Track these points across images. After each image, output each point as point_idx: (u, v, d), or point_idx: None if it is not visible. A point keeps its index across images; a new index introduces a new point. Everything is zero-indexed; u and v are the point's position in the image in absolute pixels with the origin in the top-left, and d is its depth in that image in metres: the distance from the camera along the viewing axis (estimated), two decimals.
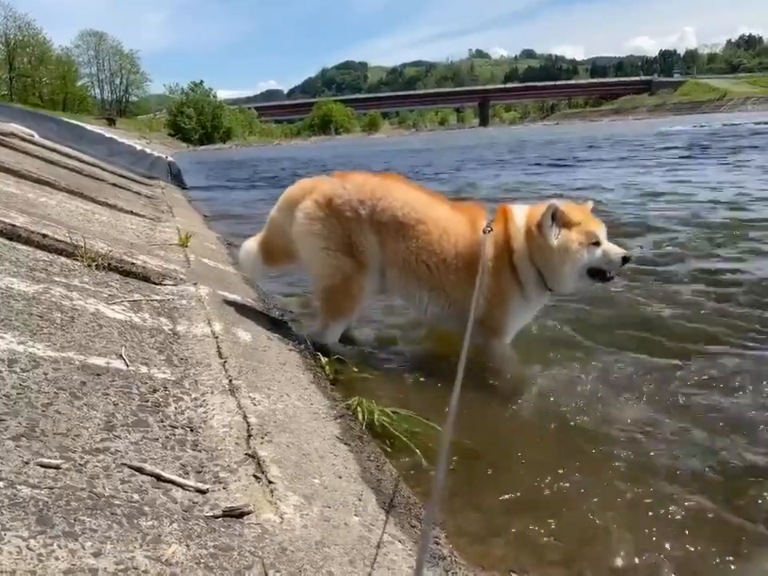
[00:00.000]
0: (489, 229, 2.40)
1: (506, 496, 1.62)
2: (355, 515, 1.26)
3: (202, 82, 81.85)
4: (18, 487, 0.94)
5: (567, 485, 1.67)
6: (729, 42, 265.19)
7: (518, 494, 1.63)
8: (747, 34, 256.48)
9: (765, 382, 2.28)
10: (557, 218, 2.34)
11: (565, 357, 2.58)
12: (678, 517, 1.53)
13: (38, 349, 1.47)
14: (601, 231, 2.37)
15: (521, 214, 2.48)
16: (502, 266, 2.44)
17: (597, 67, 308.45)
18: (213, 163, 28.01)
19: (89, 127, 30.56)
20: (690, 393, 2.23)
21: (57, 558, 0.82)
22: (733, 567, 1.37)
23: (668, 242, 4.92)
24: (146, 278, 2.60)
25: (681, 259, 4.35)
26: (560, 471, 1.74)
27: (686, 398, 2.19)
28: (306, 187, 2.61)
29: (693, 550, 1.42)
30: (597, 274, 2.39)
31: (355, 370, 2.34)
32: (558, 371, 2.44)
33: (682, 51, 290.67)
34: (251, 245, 2.81)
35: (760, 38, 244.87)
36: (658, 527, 1.50)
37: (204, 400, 1.55)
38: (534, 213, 2.42)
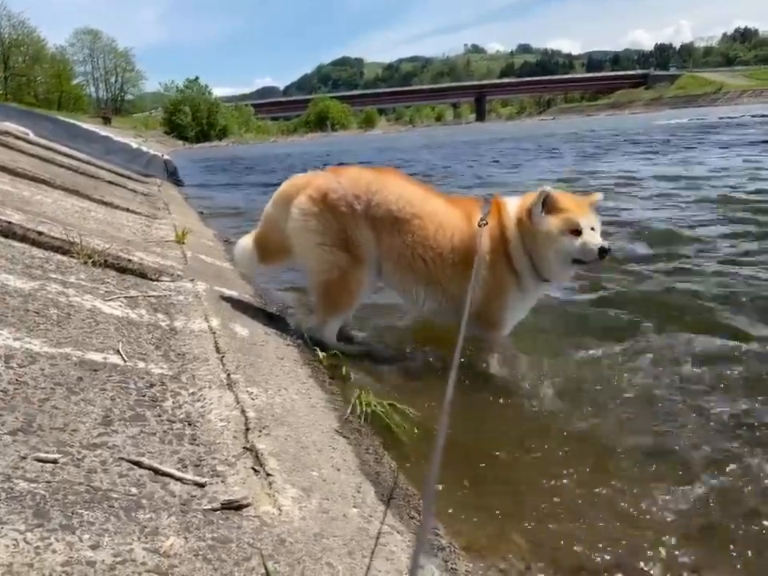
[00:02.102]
0: (484, 222, 2.41)
1: (503, 486, 1.62)
2: (354, 507, 1.26)
3: (197, 78, 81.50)
4: (15, 481, 0.94)
5: (564, 474, 1.67)
6: (724, 35, 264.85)
7: (515, 484, 1.63)
8: (743, 27, 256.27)
9: None
10: (546, 204, 2.35)
11: (564, 346, 2.59)
12: (687, 517, 1.51)
13: (35, 345, 1.47)
14: (585, 221, 2.33)
15: (513, 205, 2.49)
16: (499, 258, 2.45)
17: (593, 61, 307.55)
18: (209, 161, 27.89)
19: (84, 126, 30.39)
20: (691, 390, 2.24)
21: (54, 551, 0.82)
22: None
23: None
24: (142, 275, 2.59)
25: None
26: (557, 462, 1.74)
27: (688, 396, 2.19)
28: (300, 183, 2.60)
29: (700, 550, 1.41)
30: (577, 262, 2.39)
31: (352, 364, 2.34)
32: (558, 361, 2.44)
33: (677, 45, 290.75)
34: (246, 241, 2.80)
35: (756, 30, 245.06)
36: (661, 519, 1.49)
37: (202, 394, 1.55)
38: (526, 201, 2.44)
